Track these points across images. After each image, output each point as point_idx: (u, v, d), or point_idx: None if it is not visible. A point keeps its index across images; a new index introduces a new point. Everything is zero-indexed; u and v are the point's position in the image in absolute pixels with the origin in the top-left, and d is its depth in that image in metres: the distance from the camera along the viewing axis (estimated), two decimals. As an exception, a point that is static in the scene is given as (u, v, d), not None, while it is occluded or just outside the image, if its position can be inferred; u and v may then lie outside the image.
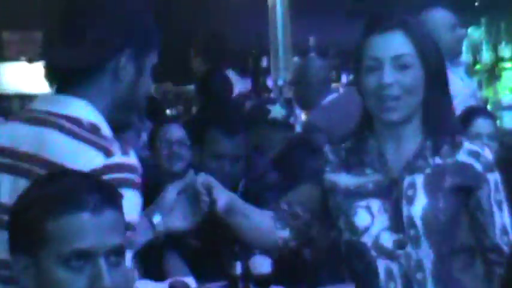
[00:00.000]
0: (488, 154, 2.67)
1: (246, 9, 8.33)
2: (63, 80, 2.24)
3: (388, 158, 2.67)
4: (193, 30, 7.67)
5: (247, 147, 4.59)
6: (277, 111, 5.06)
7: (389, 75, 2.55)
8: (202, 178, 2.59)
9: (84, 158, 2.12)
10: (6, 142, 2.25)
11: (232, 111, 5.35)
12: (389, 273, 2.72)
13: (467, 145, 2.64)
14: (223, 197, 2.57)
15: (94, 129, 2.17)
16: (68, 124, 2.15)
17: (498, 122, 6.00)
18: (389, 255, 2.68)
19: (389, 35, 2.58)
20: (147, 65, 2.29)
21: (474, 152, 2.65)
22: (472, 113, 4.70)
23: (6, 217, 2.06)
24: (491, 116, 4.88)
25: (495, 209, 2.67)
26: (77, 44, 2.21)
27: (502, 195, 2.67)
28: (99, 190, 1.81)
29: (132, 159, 2.18)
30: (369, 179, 2.68)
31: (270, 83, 7.65)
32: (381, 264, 2.69)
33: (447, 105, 2.71)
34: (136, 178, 2.18)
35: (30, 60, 7.80)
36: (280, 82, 6.86)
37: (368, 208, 2.67)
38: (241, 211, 2.66)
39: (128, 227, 2.08)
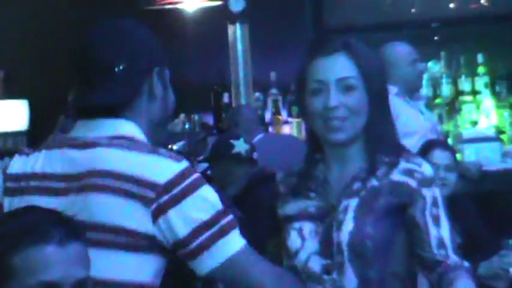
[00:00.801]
0: (426, 170, 2.64)
1: (206, 45, 8.15)
2: (102, 110, 2.32)
3: (332, 181, 2.65)
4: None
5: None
6: (240, 145, 5.01)
7: (334, 98, 2.54)
8: None
9: (162, 167, 2.24)
10: (60, 168, 2.32)
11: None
12: None
13: (403, 164, 2.61)
14: None
15: (149, 144, 2.32)
16: (126, 142, 2.27)
17: (459, 155, 6.01)
18: (317, 280, 2.67)
19: (333, 58, 2.59)
20: (167, 79, 2.39)
21: (409, 169, 2.63)
22: (430, 145, 4.85)
23: (106, 236, 2.17)
24: (449, 148, 4.98)
25: (430, 223, 2.64)
26: (115, 80, 2.30)
27: (441, 210, 2.64)
28: (64, 223, 1.81)
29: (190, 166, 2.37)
30: (312, 203, 2.65)
31: (232, 118, 7.76)
32: (311, 285, 2.69)
33: (389, 127, 2.69)
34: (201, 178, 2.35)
35: None
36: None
37: (300, 231, 2.65)
38: None
39: (220, 211, 2.28)
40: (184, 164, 2.28)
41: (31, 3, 8.38)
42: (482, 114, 7.57)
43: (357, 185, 2.62)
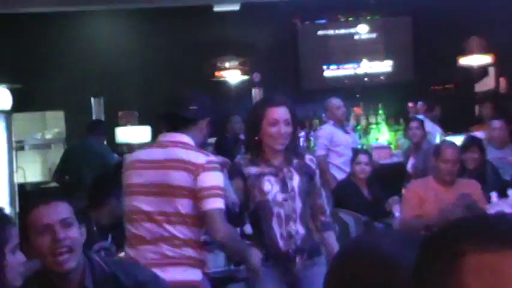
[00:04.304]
0: (315, 158, 3.73)
1: (241, 100, 10.19)
2: (177, 127, 3.34)
3: (272, 161, 3.60)
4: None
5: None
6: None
7: (283, 128, 3.52)
8: None
9: (196, 157, 3.28)
10: (156, 157, 3.37)
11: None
12: (278, 215, 3.57)
13: (307, 155, 3.67)
14: None
15: (196, 147, 3.30)
16: (183, 145, 3.34)
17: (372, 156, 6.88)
18: (279, 204, 3.55)
19: (281, 108, 3.54)
20: (209, 132, 3.46)
21: (310, 158, 3.69)
22: (357, 151, 6.62)
23: (175, 190, 3.26)
24: (367, 152, 6.72)
25: (322, 187, 3.73)
26: (187, 111, 3.35)
27: (320, 180, 3.69)
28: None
29: (215, 159, 3.30)
30: (265, 169, 3.57)
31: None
32: (275, 209, 3.56)
33: (297, 140, 3.77)
34: (220, 167, 3.26)
35: (132, 123, 10.05)
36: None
37: (269, 181, 3.54)
38: None
39: (224, 191, 3.18)
40: (209, 157, 3.26)
41: (149, 58, 10.45)
42: (381, 134, 10.08)
43: (289, 160, 3.59)
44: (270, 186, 3.52)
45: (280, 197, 3.52)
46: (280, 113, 3.51)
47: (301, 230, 3.53)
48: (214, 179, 3.27)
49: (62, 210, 2.45)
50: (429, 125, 8.26)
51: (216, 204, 3.24)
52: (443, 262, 0.96)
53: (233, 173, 3.61)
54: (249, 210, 3.67)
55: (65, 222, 2.43)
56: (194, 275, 3.32)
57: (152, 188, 3.32)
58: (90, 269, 2.49)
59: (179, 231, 3.29)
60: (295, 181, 3.53)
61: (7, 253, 2.26)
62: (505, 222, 0.98)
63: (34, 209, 2.45)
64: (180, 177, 3.30)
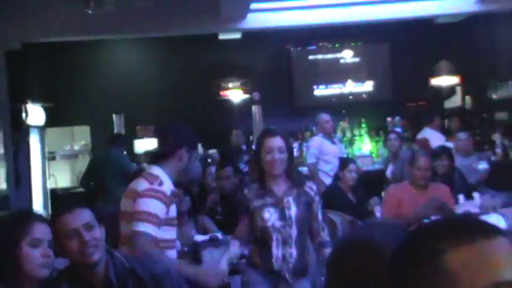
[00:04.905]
0: (315, 187, 3.62)
1: (242, 116, 10.26)
2: (156, 160, 3.32)
3: (275, 191, 3.54)
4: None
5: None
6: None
7: (277, 155, 3.53)
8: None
9: (140, 185, 3.22)
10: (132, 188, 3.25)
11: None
12: (277, 239, 3.51)
13: (307, 183, 3.59)
14: None
15: (158, 179, 3.19)
16: (148, 176, 3.25)
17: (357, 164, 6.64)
18: (278, 231, 3.50)
19: (276, 138, 3.55)
20: (193, 156, 3.31)
21: (310, 186, 3.60)
22: (346, 160, 6.47)
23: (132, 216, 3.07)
24: (354, 161, 6.51)
25: (319, 211, 3.63)
26: (163, 146, 3.30)
27: (320, 205, 3.61)
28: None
29: (161, 188, 3.16)
30: (267, 200, 3.54)
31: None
32: (274, 235, 3.51)
33: (295, 167, 3.64)
34: (161, 195, 3.14)
35: (149, 136, 9.88)
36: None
37: (269, 210, 3.53)
38: None
39: (147, 214, 3.04)
40: (153, 185, 3.15)
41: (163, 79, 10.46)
42: (364, 145, 10.09)
43: (289, 191, 3.51)
44: (269, 215, 3.51)
45: (278, 224, 3.52)
46: (274, 142, 3.51)
47: (294, 253, 3.51)
48: (147, 205, 3.15)
49: (84, 215, 2.47)
50: (429, 133, 8.33)
51: (142, 227, 3.10)
52: (426, 261, 0.96)
53: (241, 209, 3.66)
54: (253, 237, 3.66)
55: (88, 225, 2.45)
56: None
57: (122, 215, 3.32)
58: (113, 264, 2.51)
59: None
60: (293, 211, 3.52)
61: (24, 246, 2.26)
62: (472, 219, 1.03)
63: (61, 216, 2.47)
64: (125, 204, 3.30)
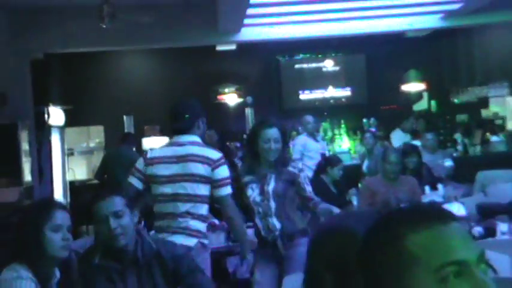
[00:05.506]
0: (299, 165, 3.60)
1: (237, 118, 10.30)
2: (183, 131, 3.31)
3: (260, 169, 3.54)
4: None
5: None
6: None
7: (273, 144, 3.47)
8: None
9: (211, 153, 3.26)
10: (167, 153, 3.30)
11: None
12: (258, 211, 3.57)
13: (292, 163, 3.59)
14: None
15: (205, 144, 3.31)
16: (193, 142, 3.28)
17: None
18: (258, 204, 3.55)
19: (273, 129, 3.47)
20: (205, 125, 3.39)
21: (293, 165, 3.59)
22: (338, 160, 6.32)
23: (195, 178, 3.06)
24: (341, 161, 6.42)
25: (305, 184, 3.59)
26: (183, 122, 3.33)
27: (308, 180, 3.58)
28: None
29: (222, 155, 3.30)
30: (253, 177, 3.56)
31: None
32: (256, 207, 3.56)
33: (286, 151, 3.66)
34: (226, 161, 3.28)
35: (155, 135, 9.84)
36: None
37: (251, 187, 3.55)
38: None
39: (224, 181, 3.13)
40: (220, 153, 3.25)
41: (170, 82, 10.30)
42: (343, 142, 10.17)
43: (272, 169, 3.51)
44: (251, 191, 3.52)
45: (258, 198, 3.51)
46: (271, 133, 3.46)
47: (277, 224, 3.48)
48: (225, 172, 3.29)
49: (115, 203, 2.44)
50: (398, 133, 8.42)
51: (228, 191, 3.28)
52: (389, 244, 0.95)
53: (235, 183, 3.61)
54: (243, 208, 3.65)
55: (117, 214, 2.43)
56: (190, 242, 3.25)
57: (176, 177, 3.27)
58: (141, 244, 2.49)
59: (190, 207, 3.27)
60: (271, 186, 3.49)
61: (46, 231, 2.24)
62: (430, 207, 1.02)
63: (96, 203, 2.46)
64: (200, 168, 3.28)
